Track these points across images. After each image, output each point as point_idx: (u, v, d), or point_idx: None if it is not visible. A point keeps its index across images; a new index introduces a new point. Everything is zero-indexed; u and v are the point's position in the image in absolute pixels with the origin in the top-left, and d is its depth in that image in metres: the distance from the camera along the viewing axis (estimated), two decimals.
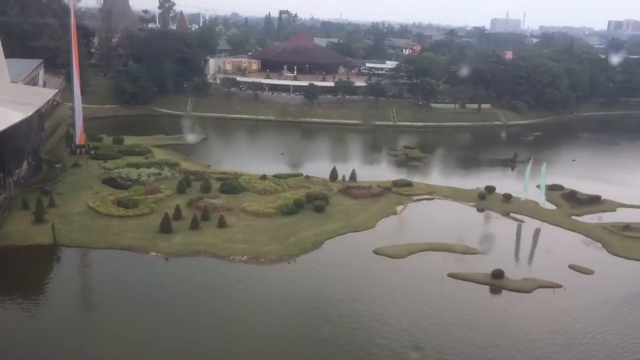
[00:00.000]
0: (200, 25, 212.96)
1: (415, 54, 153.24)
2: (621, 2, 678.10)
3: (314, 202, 61.65)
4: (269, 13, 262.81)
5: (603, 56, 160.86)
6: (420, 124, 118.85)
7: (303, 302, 43.33)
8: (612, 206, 69.80)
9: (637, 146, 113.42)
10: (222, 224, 54.46)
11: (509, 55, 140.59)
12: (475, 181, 76.83)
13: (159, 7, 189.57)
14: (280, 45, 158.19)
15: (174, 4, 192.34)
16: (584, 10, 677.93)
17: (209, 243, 51.12)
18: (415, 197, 69.39)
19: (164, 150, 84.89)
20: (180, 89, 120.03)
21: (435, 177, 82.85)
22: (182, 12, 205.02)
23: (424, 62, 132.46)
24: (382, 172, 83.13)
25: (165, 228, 52.24)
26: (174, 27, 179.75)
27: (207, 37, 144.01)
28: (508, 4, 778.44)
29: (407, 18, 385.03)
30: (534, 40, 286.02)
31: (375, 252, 52.80)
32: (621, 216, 66.03)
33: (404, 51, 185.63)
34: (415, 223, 62.32)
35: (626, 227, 60.60)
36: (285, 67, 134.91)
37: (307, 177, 73.10)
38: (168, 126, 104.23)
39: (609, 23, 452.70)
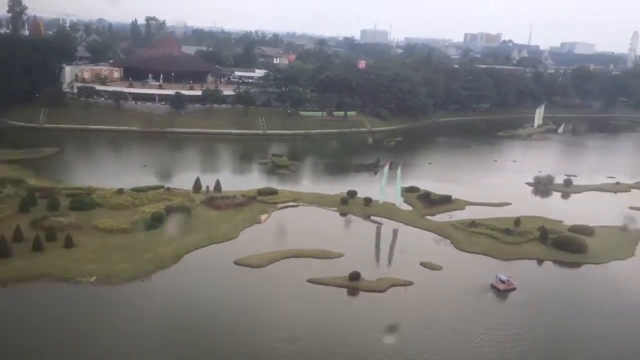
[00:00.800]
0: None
1: (290, 63, 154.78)
2: (476, 17, 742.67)
3: (174, 215, 59.68)
4: (136, 19, 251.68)
5: (457, 66, 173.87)
6: (289, 132, 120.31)
7: (160, 321, 41.57)
8: (462, 205, 75.25)
9: (484, 149, 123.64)
10: (69, 243, 50.77)
11: (362, 64, 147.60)
12: (340, 186, 78.98)
13: (9, 11, 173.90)
14: (145, 52, 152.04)
15: (25, 8, 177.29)
16: (444, 23, 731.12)
17: (54, 265, 47.36)
18: (280, 205, 69.78)
19: (9, 166, 77.68)
20: (31, 99, 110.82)
21: (302, 184, 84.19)
22: (35, 16, 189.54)
23: (292, 70, 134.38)
24: (250, 181, 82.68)
25: (2, 251, 47.52)
26: (26, 32, 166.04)
27: (62, 43, 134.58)
28: (377, 16, 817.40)
29: (282, 28, 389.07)
30: (399, 50, 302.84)
31: (236, 262, 52.21)
32: (469, 213, 71.34)
33: (275, 60, 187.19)
34: (278, 231, 62.46)
35: (472, 223, 65.53)
36: (150, 75, 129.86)
37: (168, 189, 70.62)
38: (17, 140, 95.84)
39: (465, 35, 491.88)
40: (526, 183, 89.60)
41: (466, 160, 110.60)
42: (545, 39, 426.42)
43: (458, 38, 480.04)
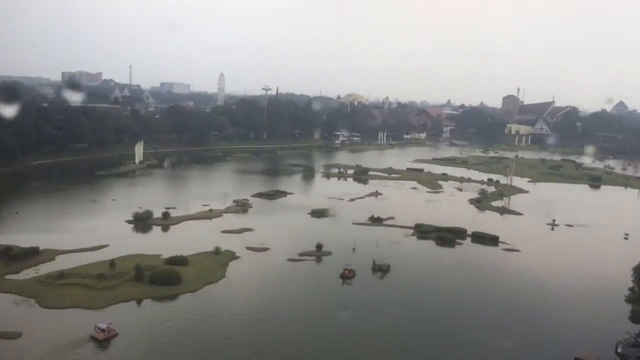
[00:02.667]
0: None
1: None
2: (76, 54, 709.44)
3: None
4: None
5: (45, 105, 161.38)
6: None
7: None
8: (52, 255, 67.69)
9: (83, 190, 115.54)
10: None
11: None
12: None
13: None
14: None
15: None
16: (41, 60, 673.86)
17: None
18: None
19: None
20: None
21: None
22: None
23: None
24: None
25: None
26: None
27: None
28: None
29: None
30: None
31: None
32: (60, 264, 64.37)
33: None
34: None
35: (60, 275, 59.00)
36: None
37: None
38: None
39: (63, 74, 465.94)
40: (126, 221, 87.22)
41: (61, 205, 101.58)
42: (147, 79, 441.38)
43: (56, 77, 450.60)
